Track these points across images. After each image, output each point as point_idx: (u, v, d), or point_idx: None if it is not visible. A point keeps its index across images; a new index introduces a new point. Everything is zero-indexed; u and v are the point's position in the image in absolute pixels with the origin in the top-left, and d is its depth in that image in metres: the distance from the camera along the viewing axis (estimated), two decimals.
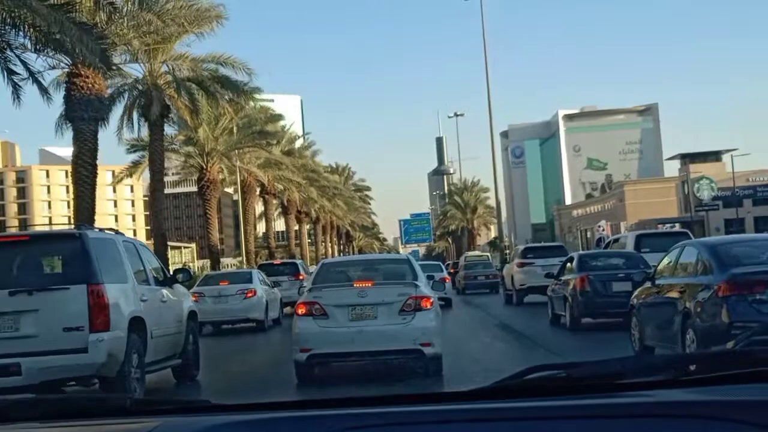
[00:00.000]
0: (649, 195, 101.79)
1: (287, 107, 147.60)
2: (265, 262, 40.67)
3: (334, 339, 11.62)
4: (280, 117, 61.09)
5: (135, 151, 42.59)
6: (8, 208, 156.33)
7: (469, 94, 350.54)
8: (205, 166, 44.81)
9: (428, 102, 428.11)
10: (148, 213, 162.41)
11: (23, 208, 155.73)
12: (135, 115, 35.84)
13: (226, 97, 36.08)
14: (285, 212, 69.69)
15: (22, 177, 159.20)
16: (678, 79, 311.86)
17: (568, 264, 19.98)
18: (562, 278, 19.70)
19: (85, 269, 10.08)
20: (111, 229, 12.19)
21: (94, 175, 29.53)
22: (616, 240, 27.36)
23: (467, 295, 39.24)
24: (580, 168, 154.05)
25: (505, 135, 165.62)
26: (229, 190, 79.23)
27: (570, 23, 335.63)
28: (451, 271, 48.47)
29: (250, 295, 23.46)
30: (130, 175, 46.21)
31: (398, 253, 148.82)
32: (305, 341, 11.74)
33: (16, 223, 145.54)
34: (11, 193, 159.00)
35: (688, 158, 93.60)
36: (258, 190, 58.63)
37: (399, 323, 11.63)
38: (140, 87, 35.05)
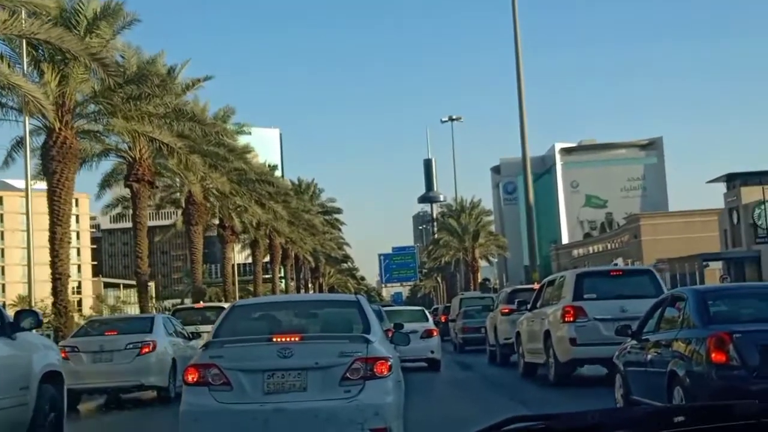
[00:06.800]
0: (671, 230, 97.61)
1: (266, 141, 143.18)
2: (183, 306, 35.36)
3: (238, 424, 8.46)
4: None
5: None
6: None
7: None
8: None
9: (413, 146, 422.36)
10: (94, 247, 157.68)
11: None
12: None
13: None
14: (188, 221, 44.01)
15: None
16: (683, 113, 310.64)
17: (668, 309, 11.50)
18: (655, 338, 11.32)
19: None
20: None
21: None
22: (552, 282, 20.00)
23: (467, 353, 32.02)
24: (578, 205, 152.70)
25: (496, 170, 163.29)
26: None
27: (567, 56, 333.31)
28: (443, 319, 41.91)
29: (146, 350, 18.18)
30: None
31: (379, 296, 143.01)
32: (195, 425, 8.57)
33: None
34: None
35: (739, 179, 75.46)
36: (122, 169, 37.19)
37: (340, 398, 8.48)
38: None
